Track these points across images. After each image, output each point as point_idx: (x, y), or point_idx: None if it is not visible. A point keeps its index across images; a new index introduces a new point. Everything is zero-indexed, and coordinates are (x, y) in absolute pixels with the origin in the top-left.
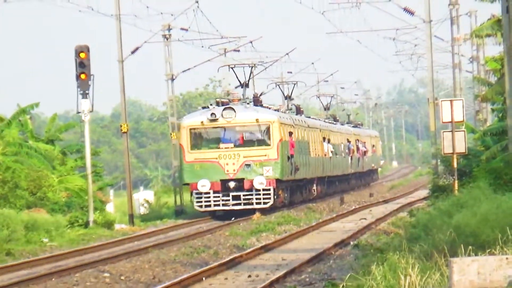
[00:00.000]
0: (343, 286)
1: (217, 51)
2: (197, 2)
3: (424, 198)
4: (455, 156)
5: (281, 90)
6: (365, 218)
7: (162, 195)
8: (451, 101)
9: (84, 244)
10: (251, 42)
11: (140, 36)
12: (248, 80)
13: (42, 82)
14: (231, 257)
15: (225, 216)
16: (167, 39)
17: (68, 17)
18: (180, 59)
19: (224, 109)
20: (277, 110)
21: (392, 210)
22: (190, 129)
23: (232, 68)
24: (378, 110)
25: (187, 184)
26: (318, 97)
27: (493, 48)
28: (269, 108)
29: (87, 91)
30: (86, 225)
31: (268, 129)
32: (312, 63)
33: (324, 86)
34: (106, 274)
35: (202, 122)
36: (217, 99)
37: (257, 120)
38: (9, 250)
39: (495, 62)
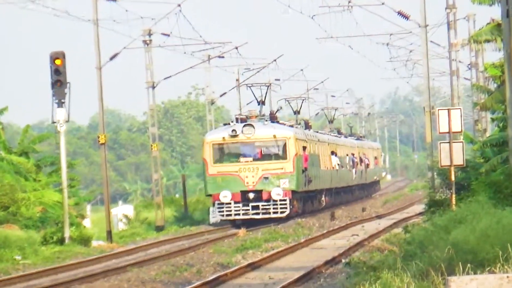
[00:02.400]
0: None
1: (200, 57)
2: (179, 6)
3: (420, 214)
4: (452, 168)
5: (291, 106)
6: (357, 235)
7: (142, 210)
8: (448, 110)
9: (59, 262)
10: (236, 48)
11: (119, 42)
12: (265, 98)
13: (15, 90)
14: (215, 275)
15: (243, 224)
16: (147, 45)
17: (43, 22)
18: (161, 66)
19: (244, 126)
20: (292, 126)
21: (386, 226)
22: (213, 144)
23: (249, 87)
24: (371, 120)
25: (210, 195)
26: (323, 110)
27: (493, 54)
28: (284, 124)
29: (62, 100)
30: (61, 242)
31: (284, 144)
32: (301, 70)
33: (314, 94)
34: None
35: (223, 138)
36: (237, 116)
37: (274, 136)
38: None
39: (495, 68)
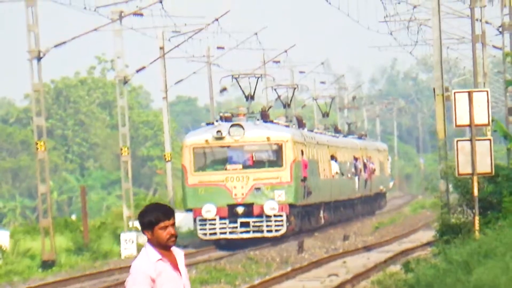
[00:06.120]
0: None
1: (108, 15)
2: None
3: (428, 244)
4: (476, 178)
5: (278, 96)
6: (336, 274)
7: (23, 237)
8: (470, 92)
9: None
10: (160, 1)
11: None
12: (254, 92)
13: None
14: None
15: (229, 245)
16: None
17: None
18: (52, 28)
19: (231, 126)
20: (287, 126)
21: (377, 261)
22: (194, 148)
23: (236, 78)
24: (357, 107)
25: (190, 210)
26: (315, 99)
27: None
28: (279, 124)
29: None
30: None
31: (280, 148)
32: (255, 34)
33: (273, 68)
34: None
35: (206, 140)
36: (221, 114)
37: (268, 139)
38: None
39: None
